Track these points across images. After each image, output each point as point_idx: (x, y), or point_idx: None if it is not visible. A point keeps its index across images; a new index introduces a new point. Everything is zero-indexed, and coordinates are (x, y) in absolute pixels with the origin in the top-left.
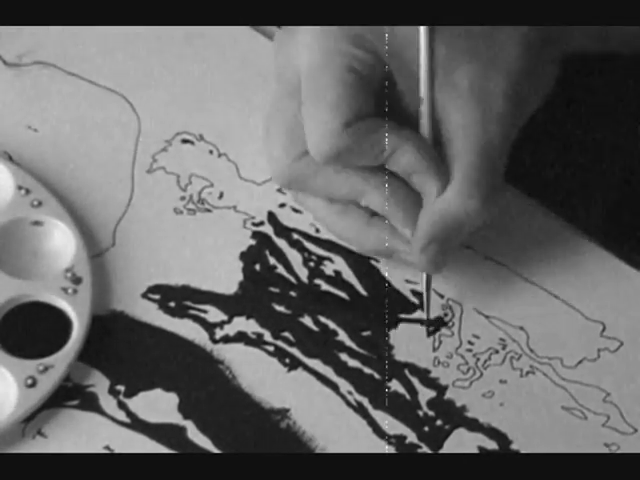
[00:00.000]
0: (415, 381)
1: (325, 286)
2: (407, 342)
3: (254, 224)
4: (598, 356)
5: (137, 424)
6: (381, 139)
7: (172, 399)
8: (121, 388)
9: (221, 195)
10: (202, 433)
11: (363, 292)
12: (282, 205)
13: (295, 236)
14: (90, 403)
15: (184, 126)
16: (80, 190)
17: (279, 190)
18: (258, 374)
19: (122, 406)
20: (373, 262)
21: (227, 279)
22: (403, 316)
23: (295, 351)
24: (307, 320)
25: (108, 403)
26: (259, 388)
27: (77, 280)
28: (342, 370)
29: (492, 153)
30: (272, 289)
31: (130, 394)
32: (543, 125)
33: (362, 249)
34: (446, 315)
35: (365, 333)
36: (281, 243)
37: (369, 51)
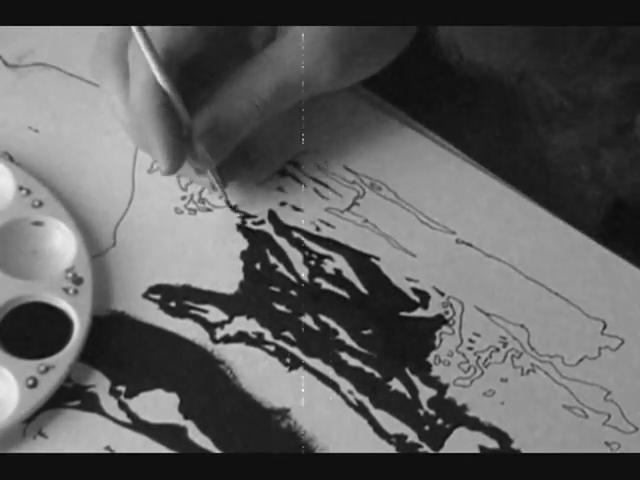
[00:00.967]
0: (416, 380)
1: (325, 285)
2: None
3: (254, 223)
4: (599, 354)
5: (138, 424)
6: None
7: (173, 399)
8: (122, 389)
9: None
10: (202, 433)
11: (364, 290)
12: (283, 204)
13: (295, 235)
14: (91, 403)
15: None
16: (81, 190)
17: (279, 189)
18: (259, 374)
19: (123, 406)
20: (373, 260)
21: (228, 279)
22: (404, 314)
23: (296, 351)
24: (308, 319)
25: (109, 403)
26: (260, 388)
27: (78, 280)
28: (343, 369)
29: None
30: (273, 288)
31: (131, 394)
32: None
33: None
34: (447, 313)
35: (366, 332)
36: (281, 242)
37: None
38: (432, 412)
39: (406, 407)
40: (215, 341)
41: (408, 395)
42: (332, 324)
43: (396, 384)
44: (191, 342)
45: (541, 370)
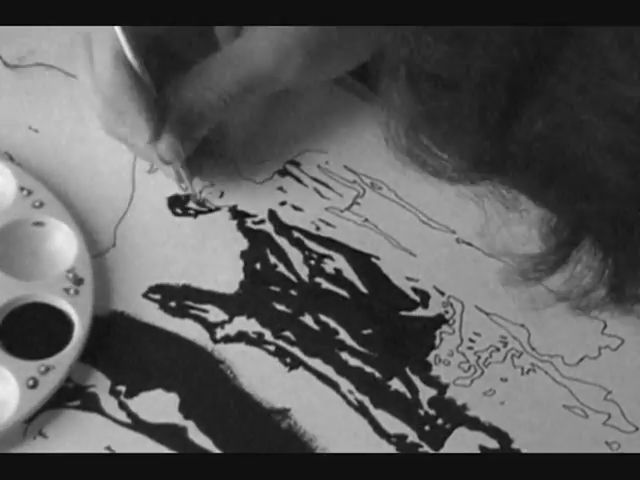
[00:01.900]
0: (416, 379)
1: (326, 284)
2: None
3: (254, 223)
4: (599, 354)
5: (138, 424)
6: None
7: (173, 399)
8: (122, 388)
9: (221, 194)
10: (202, 433)
11: (364, 290)
12: (282, 203)
13: (295, 234)
14: (91, 404)
15: None
16: (81, 191)
17: (280, 189)
18: (259, 374)
19: (123, 406)
20: (374, 260)
21: (228, 278)
22: (404, 313)
23: (296, 350)
24: (308, 319)
25: (109, 403)
26: (260, 388)
27: (78, 281)
28: (343, 369)
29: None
30: (273, 288)
31: (131, 394)
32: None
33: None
34: (447, 312)
35: (366, 331)
36: (282, 241)
37: None
38: (432, 412)
39: (406, 407)
40: (215, 341)
41: (408, 395)
42: (332, 324)
43: (396, 384)
44: (191, 342)
45: (541, 370)
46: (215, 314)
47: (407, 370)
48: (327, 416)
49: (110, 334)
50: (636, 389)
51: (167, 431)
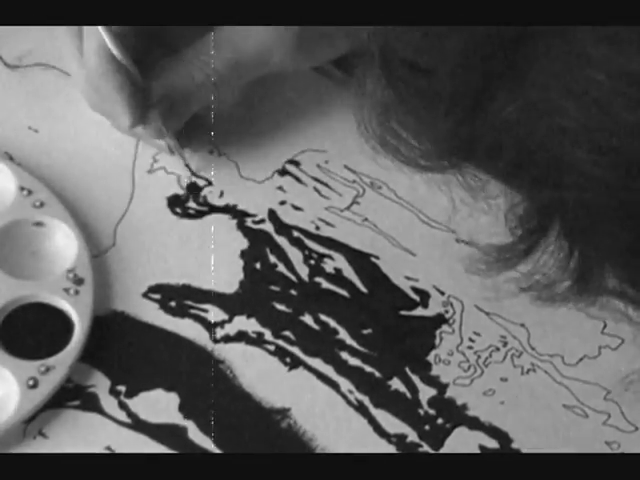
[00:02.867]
0: (416, 379)
1: (325, 284)
2: None
3: (254, 222)
4: (599, 353)
5: (138, 424)
6: None
7: (173, 399)
8: (122, 388)
9: (221, 194)
10: (203, 433)
11: (364, 289)
12: (282, 203)
13: (295, 234)
14: (91, 403)
15: None
16: (81, 191)
17: (279, 188)
18: (259, 373)
19: (123, 406)
20: (373, 259)
21: (228, 278)
22: (404, 313)
23: (296, 350)
24: (308, 318)
25: (109, 403)
26: (260, 387)
27: (79, 281)
28: (343, 369)
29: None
30: (273, 288)
31: (131, 394)
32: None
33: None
34: (447, 312)
35: (366, 331)
36: (282, 241)
37: None
38: (432, 412)
39: (406, 407)
40: (215, 341)
41: (408, 394)
42: (332, 323)
43: (396, 383)
44: (191, 342)
45: (541, 369)
46: (215, 314)
47: (407, 370)
48: (327, 416)
49: (110, 334)
50: (636, 389)
51: (167, 431)
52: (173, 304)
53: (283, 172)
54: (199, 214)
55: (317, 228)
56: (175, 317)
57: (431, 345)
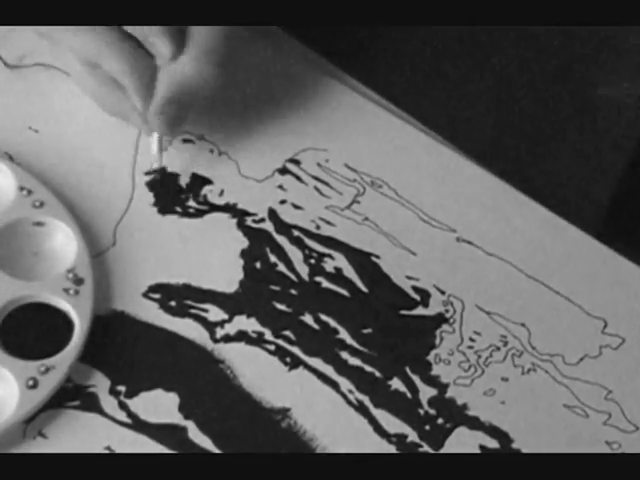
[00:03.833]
0: (416, 379)
1: (326, 283)
2: None
3: (254, 221)
4: (600, 353)
5: (138, 424)
6: None
7: (173, 399)
8: (122, 388)
9: (222, 193)
10: (202, 433)
11: (364, 289)
12: (283, 202)
13: (296, 233)
14: (91, 404)
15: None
16: (81, 190)
17: (280, 187)
18: (259, 373)
19: (123, 406)
20: (374, 258)
21: (228, 277)
22: (404, 312)
23: (296, 350)
24: (308, 318)
25: (109, 403)
26: (260, 387)
27: (79, 281)
28: (343, 368)
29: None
30: (273, 287)
31: (131, 394)
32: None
33: (104, 109)
34: (447, 311)
35: (366, 330)
36: (282, 240)
37: None
38: (432, 412)
39: (406, 406)
40: (215, 340)
41: (408, 394)
42: (332, 323)
43: (396, 383)
44: (191, 341)
45: (542, 369)
46: (215, 313)
47: (407, 369)
48: (327, 416)
49: (110, 334)
50: (637, 388)
51: (167, 431)
52: (173, 304)
53: (283, 171)
54: (199, 213)
55: (317, 227)
56: (175, 317)
57: (431, 345)
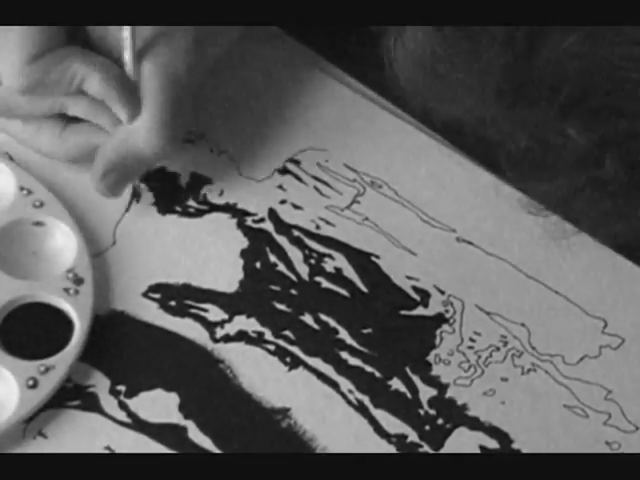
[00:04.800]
0: (416, 379)
1: (326, 283)
2: None
3: (254, 221)
4: (600, 353)
5: (138, 424)
6: (71, 68)
7: (173, 399)
8: (122, 388)
9: (221, 193)
10: (203, 433)
11: (364, 289)
12: (282, 202)
13: (295, 233)
14: (91, 403)
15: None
16: (81, 190)
17: (280, 187)
18: (259, 373)
19: (123, 406)
20: (374, 259)
21: (228, 277)
22: (404, 313)
23: (296, 350)
24: (308, 318)
25: (109, 403)
26: (260, 387)
27: (79, 281)
28: (343, 369)
29: (179, 93)
30: (273, 287)
31: (131, 394)
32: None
33: (61, 158)
34: (447, 311)
35: (366, 331)
36: (282, 240)
37: None
38: (432, 412)
39: (406, 407)
40: (215, 340)
41: (408, 395)
42: (332, 323)
43: (396, 383)
44: (191, 341)
45: (541, 369)
46: (215, 313)
47: (407, 370)
48: (327, 416)
49: (110, 334)
50: (637, 388)
51: (167, 431)
52: (173, 303)
53: (283, 171)
54: (199, 213)
55: (317, 227)
56: (175, 317)
57: (431, 345)
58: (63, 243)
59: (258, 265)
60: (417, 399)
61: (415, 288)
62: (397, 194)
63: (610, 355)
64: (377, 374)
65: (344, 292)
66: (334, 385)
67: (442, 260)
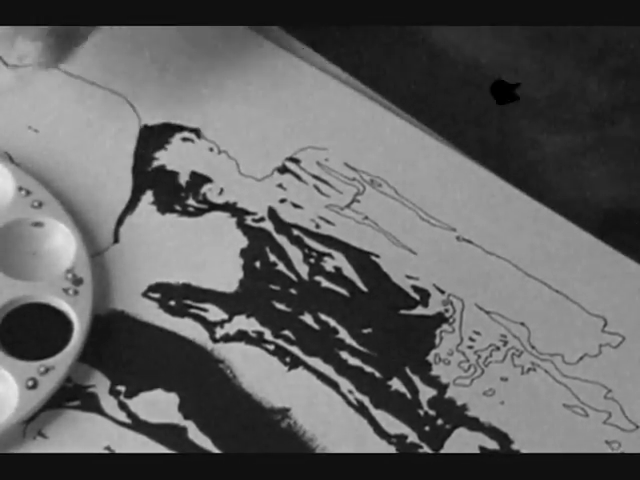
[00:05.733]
0: (416, 379)
1: (325, 283)
2: None
3: (254, 220)
4: (600, 352)
5: (138, 424)
6: None
7: (173, 399)
8: (122, 388)
9: (221, 192)
10: (203, 433)
11: (364, 288)
12: (282, 201)
13: (295, 232)
14: (91, 404)
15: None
16: (80, 190)
17: (279, 186)
18: (258, 373)
19: (123, 406)
20: (373, 258)
21: (227, 277)
22: (404, 312)
23: (296, 350)
24: (307, 318)
25: (109, 403)
26: (259, 387)
27: (78, 281)
28: (343, 369)
29: None
30: (272, 287)
31: (131, 394)
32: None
33: None
34: (447, 311)
35: (366, 330)
36: (281, 239)
37: None
38: (432, 412)
39: (406, 407)
40: (215, 340)
41: (408, 395)
42: (332, 323)
43: (396, 384)
44: (191, 341)
45: (541, 369)
46: (215, 313)
47: (407, 370)
48: (327, 416)
49: (110, 334)
50: (636, 387)
51: (167, 431)
52: (173, 303)
53: (283, 170)
54: (198, 212)
55: (317, 226)
56: (175, 316)
57: (431, 345)
58: (62, 243)
59: (258, 264)
60: (417, 399)
61: (415, 287)
62: (397, 193)
63: (610, 354)
64: (377, 374)
65: (344, 291)
66: (334, 385)
67: (442, 259)
